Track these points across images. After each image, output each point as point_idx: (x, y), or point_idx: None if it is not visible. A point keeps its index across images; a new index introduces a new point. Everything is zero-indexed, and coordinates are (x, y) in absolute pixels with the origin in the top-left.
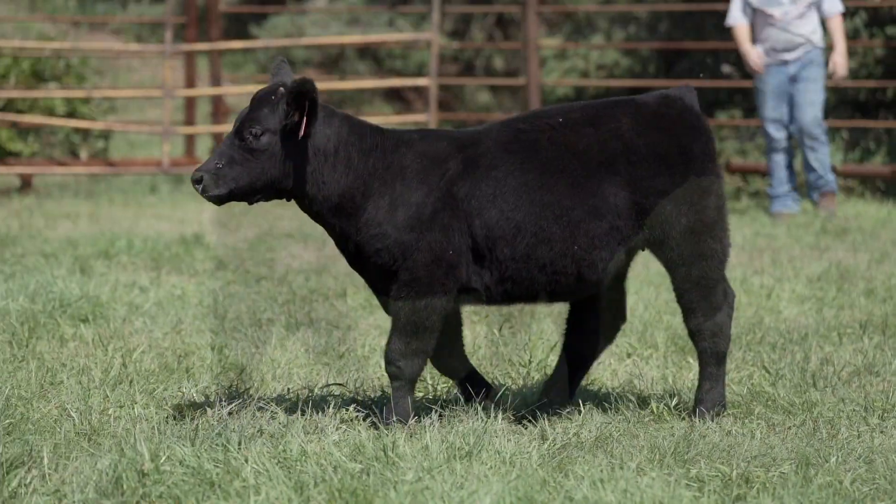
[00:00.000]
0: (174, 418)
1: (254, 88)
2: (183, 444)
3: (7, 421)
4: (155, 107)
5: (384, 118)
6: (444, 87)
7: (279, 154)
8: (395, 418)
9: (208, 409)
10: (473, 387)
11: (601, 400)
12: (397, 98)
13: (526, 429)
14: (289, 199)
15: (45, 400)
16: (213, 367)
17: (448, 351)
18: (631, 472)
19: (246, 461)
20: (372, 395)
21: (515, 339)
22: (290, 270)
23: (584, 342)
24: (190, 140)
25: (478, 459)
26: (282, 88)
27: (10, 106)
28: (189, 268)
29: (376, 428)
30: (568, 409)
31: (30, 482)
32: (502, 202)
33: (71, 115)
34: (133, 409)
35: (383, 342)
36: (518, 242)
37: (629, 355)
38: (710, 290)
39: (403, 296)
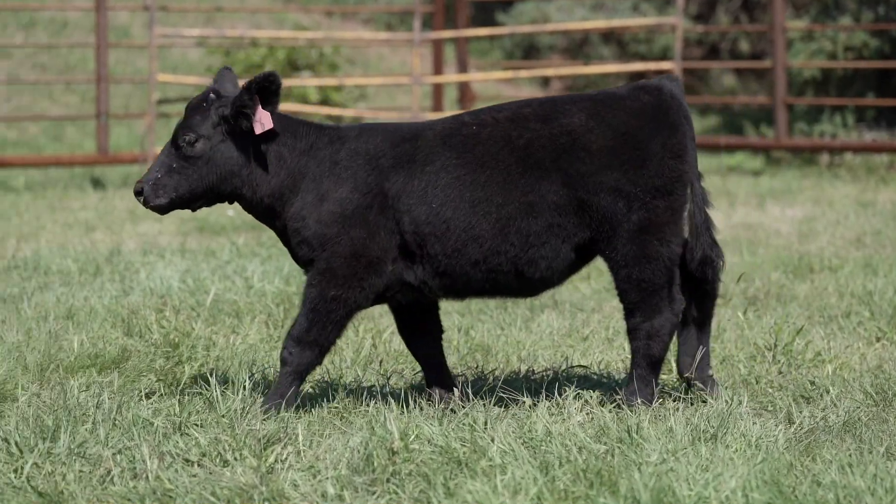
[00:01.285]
0: (423, 398)
1: (500, 75)
2: (431, 424)
3: (264, 398)
4: (404, 94)
5: None
6: (689, 71)
7: (215, 159)
8: (266, 402)
9: (455, 390)
10: (439, 384)
11: (849, 384)
12: None
13: (770, 412)
14: (231, 203)
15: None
16: (460, 347)
17: (424, 339)
18: (880, 457)
19: (492, 441)
20: (616, 377)
21: (761, 323)
22: None
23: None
24: None
25: (723, 442)
26: (212, 95)
27: None
28: None
29: (620, 409)
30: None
31: (286, 458)
32: (432, 198)
33: (324, 102)
34: (383, 388)
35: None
36: (448, 239)
37: (878, 339)
38: (652, 294)
39: (315, 283)
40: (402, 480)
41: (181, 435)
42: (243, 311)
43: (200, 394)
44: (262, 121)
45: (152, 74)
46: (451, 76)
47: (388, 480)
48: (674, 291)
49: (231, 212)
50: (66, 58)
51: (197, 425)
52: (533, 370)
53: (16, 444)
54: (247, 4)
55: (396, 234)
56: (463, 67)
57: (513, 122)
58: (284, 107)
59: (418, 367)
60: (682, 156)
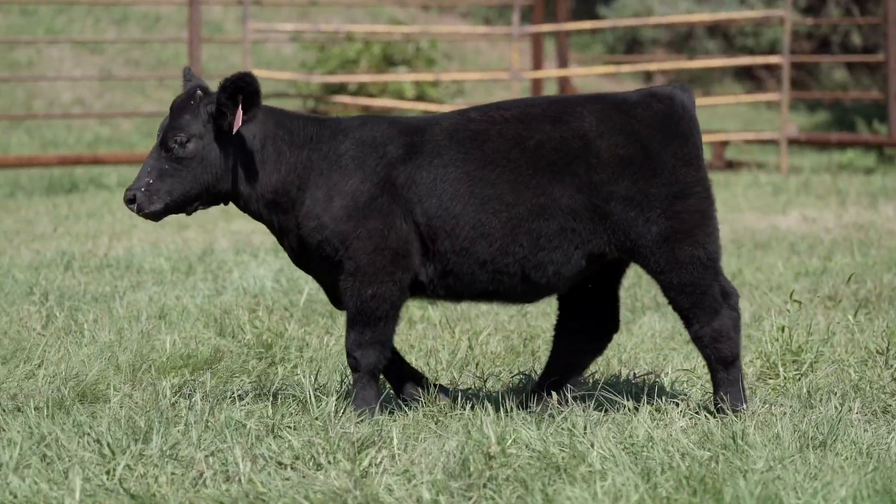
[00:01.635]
0: (520, 401)
1: (601, 70)
2: (529, 428)
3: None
4: (502, 89)
5: (734, 97)
6: (798, 66)
7: (209, 158)
8: (364, 409)
9: (553, 393)
10: (403, 381)
11: None
12: (748, 77)
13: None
14: (226, 203)
15: None
16: None
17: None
18: None
19: (591, 446)
20: None
21: (873, 326)
22: None
23: (573, 351)
24: None
25: (832, 450)
26: (199, 91)
27: (361, 90)
28: None
29: (724, 414)
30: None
31: (380, 462)
32: (441, 191)
33: (420, 98)
34: (479, 391)
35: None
36: (457, 235)
37: None
38: (702, 296)
39: (349, 286)
40: (499, 486)
41: (274, 437)
42: (337, 312)
43: (293, 395)
44: (237, 122)
45: (245, 69)
46: (550, 71)
47: (484, 485)
48: (725, 286)
49: None
50: (159, 53)
51: (290, 427)
52: (634, 373)
53: (108, 445)
54: None
55: (412, 224)
56: (563, 62)
57: (521, 121)
58: (381, 102)
59: (515, 370)
60: (694, 163)
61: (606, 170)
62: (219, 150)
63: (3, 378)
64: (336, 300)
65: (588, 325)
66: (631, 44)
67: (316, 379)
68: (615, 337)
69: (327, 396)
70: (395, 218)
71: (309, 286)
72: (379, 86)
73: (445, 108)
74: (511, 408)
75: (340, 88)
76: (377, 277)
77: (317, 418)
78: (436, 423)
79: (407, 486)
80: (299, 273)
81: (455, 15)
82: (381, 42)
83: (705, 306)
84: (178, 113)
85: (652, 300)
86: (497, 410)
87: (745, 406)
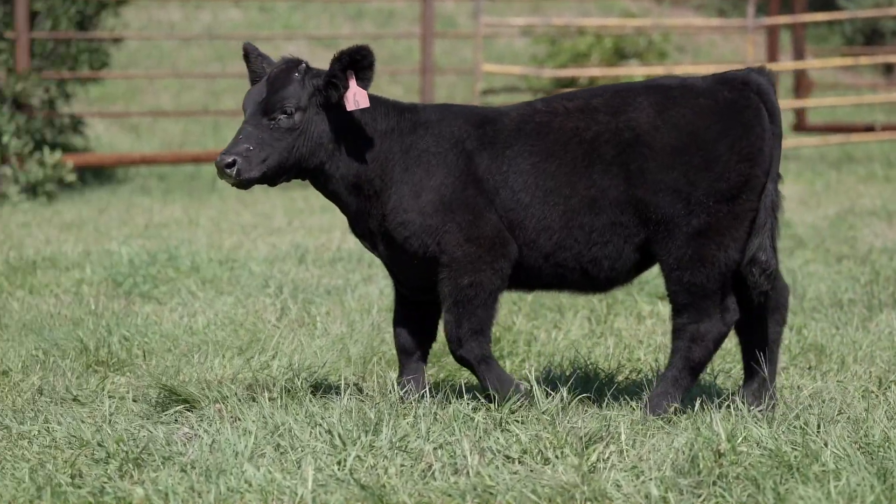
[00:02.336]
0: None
1: (839, 62)
2: (759, 426)
3: (587, 396)
4: None
5: None
6: None
7: (308, 131)
8: (491, 391)
9: (786, 392)
10: (415, 383)
11: None
12: None
13: None
14: (304, 178)
15: (624, 376)
16: (792, 347)
17: (412, 331)
18: None
19: (825, 445)
20: None
21: None
22: (874, 249)
23: (755, 330)
24: None
25: None
26: (303, 64)
27: (593, 83)
28: None
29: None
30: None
31: (608, 457)
32: (512, 183)
33: None
34: (709, 387)
35: None
36: (526, 227)
37: None
38: (703, 298)
39: (445, 277)
40: (729, 484)
41: (502, 431)
42: (567, 307)
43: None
44: (357, 98)
45: (477, 64)
46: (786, 63)
47: (714, 483)
48: (728, 300)
49: None
50: (392, 48)
51: (518, 421)
52: (869, 372)
53: (339, 436)
54: None
55: (495, 214)
56: (799, 54)
57: (583, 112)
58: None
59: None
60: (753, 159)
61: (656, 159)
62: (318, 124)
63: (238, 368)
64: (409, 288)
65: (768, 301)
66: (870, 35)
67: (544, 373)
68: (851, 334)
69: (555, 390)
70: (483, 209)
71: None
72: (610, 80)
73: None
74: (741, 405)
75: (571, 82)
76: (474, 266)
77: (544, 412)
78: (665, 420)
79: (635, 482)
80: None
81: (689, 7)
82: (612, 35)
83: (700, 307)
84: (281, 84)
85: (889, 297)
86: (726, 407)
87: (669, 410)
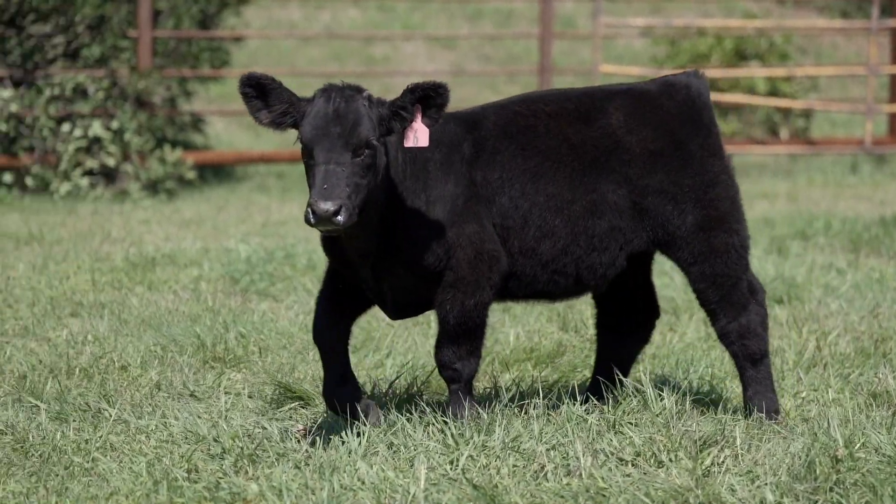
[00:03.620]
0: (868, 405)
1: None
2: (878, 432)
3: (702, 399)
4: (858, 84)
5: None
6: None
7: (378, 166)
8: (462, 420)
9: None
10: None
11: None
12: None
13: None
14: None
15: (739, 380)
16: None
17: (338, 328)
18: None
19: None
20: None
21: None
22: None
23: (619, 344)
24: (893, 119)
25: None
26: (366, 92)
27: (712, 85)
28: (889, 250)
29: (757, 413)
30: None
31: (722, 461)
32: (510, 188)
33: (772, 93)
34: (826, 392)
35: None
36: (525, 234)
37: None
38: (732, 288)
39: (450, 298)
40: (846, 490)
41: (615, 433)
42: (681, 309)
43: (635, 391)
44: (419, 135)
45: (595, 65)
46: None
47: (830, 489)
48: (753, 282)
49: None
50: (511, 49)
51: (631, 424)
52: None
53: (452, 435)
54: None
55: (494, 223)
56: None
57: (562, 117)
58: (731, 97)
59: (865, 373)
60: (718, 153)
61: (639, 164)
62: (382, 158)
63: (353, 367)
64: (396, 309)
65: (629, 316)
66: None
67: (658, 375)
68: None
69: (669, 394)
70: (484, 219)
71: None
72: (730, 81)
73: (798, 104)
74: (860, 410)
75: None
76: (479, 285)
77: (658, 415)
78: (780, 425)
79: (750, 487)
80: None
81: (811, 9)
82: (733, 37)
83: (734, 301)
84: (356, 116)
85: None
86: (844, 413)
87: (776, 404)
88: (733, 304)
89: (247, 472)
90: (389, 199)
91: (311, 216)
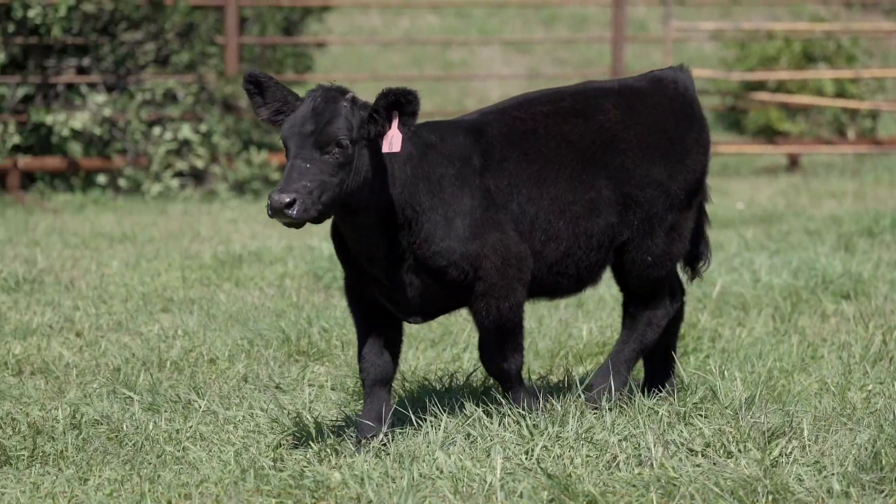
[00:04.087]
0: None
1: None
2: None
3: (770, 392)
4: None
5: None
6: None
7: (357, 166)
8: (522, 406)
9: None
10: (375, 415)
11: None
12: None
13: None
14: (342, 214)
15: (806, 374)
16: None
17: (382, 362)
18: None
19: None
20: None
21: None
22: None
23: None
24: None
25: None
26: (350, 94)
27: (781, 87)
28: None
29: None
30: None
31: (790, 452)
32: (517, 194)
33: (839, 95)
34: (892, 385)
35: None
36: (533, 238)
37: None
38: (662, 287)
39: (484, 306)
40: None
41: (685, 425)
42: (750, 304)
43: (705, 384)
44: (393, 142)
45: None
46: None
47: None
48: (674, 285)
49: (741, 205)
50: (584, 52)
51: (701, 415)
52: None
53: (527, 427)
54: None
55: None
56: None
57: (559, 116)
58: (799, 99)
59: None
60: (707, 149)
61: (636, 157)
62: (365, 159)
63: (431, 360)
64: (413, 314)
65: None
66: None
67: (727, 369)
68: None
69: (738, 386)
70: (505, 224)
71: (723, 279)
72: (798, 83)
73: (865, 105)
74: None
75: (759, 86)
76: (511, 289)
77: (727, 407)
78: (847, 417)
79: (817, 477)
80: (713, 266)
81: (878, 12)
82: (801, 40)
83: (657, 296)
84: (332, 114)
85: None
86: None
87: (621, 389)
88: (654, 298)
89: (330, 462)
90: (401, 211)
91: (268, 208)
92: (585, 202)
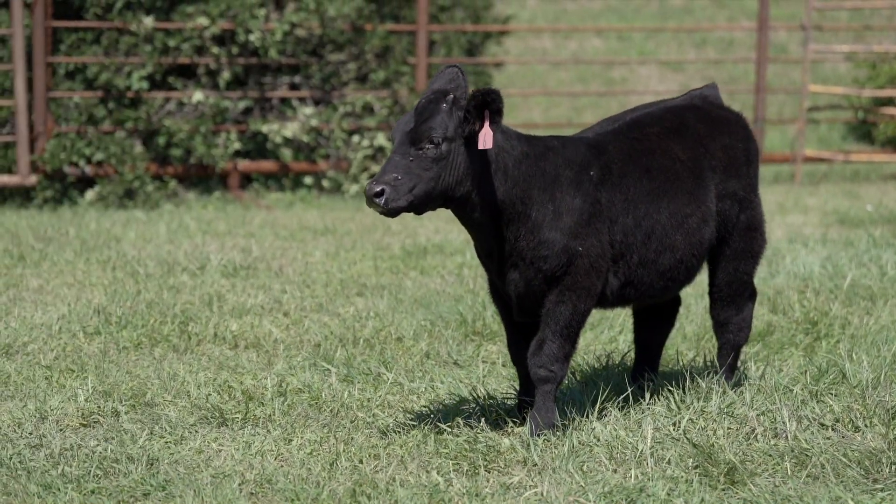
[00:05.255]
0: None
1: None
2: None
3: (894, 373)
4: None
5: None
6: None
7: (455, 162)
8: (540, 421)
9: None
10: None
11: None
12: None
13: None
14: (449, 207)
15: None
16: None
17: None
18: None
19: None
20: None
21: None
22: None
23: (651, 331)
24: None
25: None
26: (451, 95)
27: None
28: None
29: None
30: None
31: None
32: (635, 209)
33: None
34: None
35: None
36: (647, 249)
37: None
38: (746, 286)
39: (565, 300)
40: None
41: (817, 402)
42: (877, 295)
43: (836, 366)
44: (486, 139)
45: (805, 85)
46: None
47: None
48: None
49: (870, 207)
50: (731, 71)
51: (831, 394)
52: None
53: (675, 402)
54: (895, 22)
55: (608, 242)
56: None
57: (665, 135)
58: None
59: None
60: (757, 161)
61: (721, 169)
62: (464, 154)
63: (590, 341)
64: (521, 311)
65: (660, 307)
66: None
67: (856, 353)
68: None
69: (864, 368)
70: (602, 236)
71: (853, 272)
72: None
73: None
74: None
75: (888, 101)
76: (590, 293)
77: (855, 387)
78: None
79: None
80: (844, 261)
81: None
82: None
83: (745, 296)
84: (431, 113)
85: None
86: None
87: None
88: (742, 299)
89: (500, 428)
90: (512, 206)
91: (365, 195)
92: (700, 215)
